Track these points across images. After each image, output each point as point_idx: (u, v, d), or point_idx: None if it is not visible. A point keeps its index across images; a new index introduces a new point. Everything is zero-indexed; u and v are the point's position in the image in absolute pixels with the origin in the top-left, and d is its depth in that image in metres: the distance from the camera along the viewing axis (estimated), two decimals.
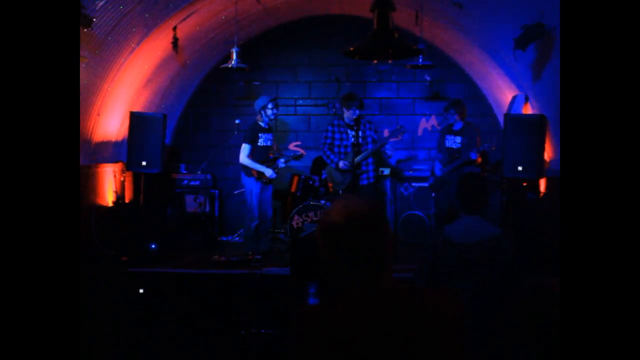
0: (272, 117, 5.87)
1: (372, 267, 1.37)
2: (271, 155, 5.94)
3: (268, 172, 5.77)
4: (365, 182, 5.89)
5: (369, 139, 5.87)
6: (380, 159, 6.89)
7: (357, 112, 5.73)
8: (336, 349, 1.29)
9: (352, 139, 5.81)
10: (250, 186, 5.82)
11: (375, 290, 1.37)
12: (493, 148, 5.60)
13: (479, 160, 5.77)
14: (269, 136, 5.90)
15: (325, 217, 1.41)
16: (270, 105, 5.79)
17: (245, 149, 5.76)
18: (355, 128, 5.72)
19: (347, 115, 5.87)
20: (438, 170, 6.00)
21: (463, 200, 2.67)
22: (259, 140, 5.81)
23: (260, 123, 5.83)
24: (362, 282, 1.37)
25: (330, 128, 6.05)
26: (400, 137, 6.08)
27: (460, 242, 2.55)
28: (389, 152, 5.94)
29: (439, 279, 2.57)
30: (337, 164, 5.96)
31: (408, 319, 1.33)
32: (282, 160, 5.93)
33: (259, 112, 5.83)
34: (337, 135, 5.98)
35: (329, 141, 6.03)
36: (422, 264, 2.69)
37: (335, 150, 6.00)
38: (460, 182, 2.81)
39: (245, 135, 5.82)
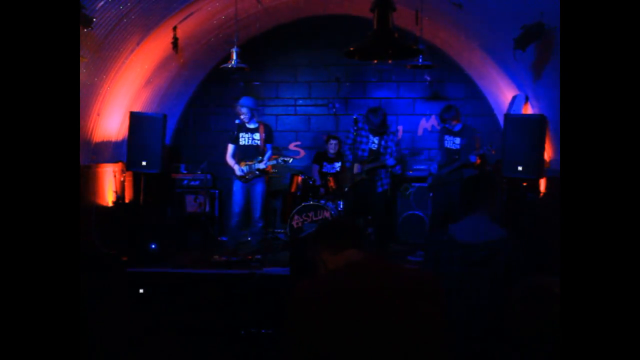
0: (238, 121, 6.00)
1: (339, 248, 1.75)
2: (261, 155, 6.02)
3: (236, 169, 5.92)
4: (380, 190, 5.97)
5: (389, 150, 5.94)
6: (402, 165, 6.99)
7: (377, 122, 5.86)
8: (321, 317, 1.52)
9: (372, 145, 5.90)
10: (233, 184, 6.03)
11: (356, 264, 1.68)
12: (493, 152, 5.57)
13: (478, 162, 5.76)
14: (253, 135, 5.99)
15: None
16: (243, 110, 5.93)
17: (229, 149, 6.03)
18: (377, 133, 5.82)
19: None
20: (433, 169, 6.05)
21: (467, 199, 2.62)
22: (240, 140, 5.98)
23: (245, 123, 5.99)
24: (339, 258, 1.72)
25: (352, 129, 6.08)
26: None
27: (465, 241, 2.51)
28: (390, 163, 5.96)
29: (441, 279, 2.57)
30: (352, 164, 6.01)
31: (387, 289, 1.59)
32: (258, 159, 5.96)
33: (238, 111, 5.99)
34: (358, 139, 6.04)
35: (349, 141, 6.10)
36: (425, 263, 2.67)
37: (356, 152, 6.05)
38: (465, 181, 2.78)
39: (229, 135, 6.07)
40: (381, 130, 5.90)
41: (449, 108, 5.88)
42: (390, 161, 5.87)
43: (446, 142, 5.94)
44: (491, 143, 5.60)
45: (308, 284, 1.63)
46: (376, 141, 5.94)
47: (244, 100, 6.00)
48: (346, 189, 6.11)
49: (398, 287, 1.60)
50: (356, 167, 5.96)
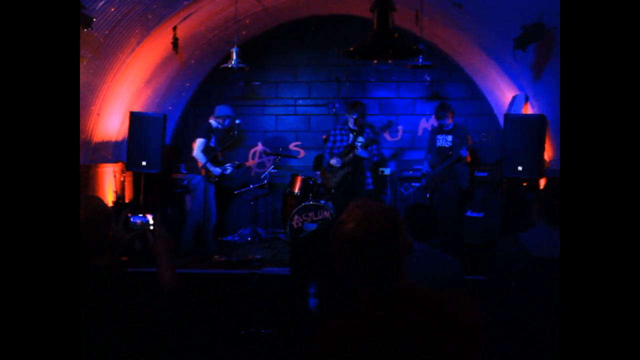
0: (220, 126, 6.25)
1: (384, 273, 1.37)
2: (220, 157, 6.29)
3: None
4: (368, 187, 6.07)
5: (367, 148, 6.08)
6: (379, 161, 7.05)
7: (356, 118, 5.96)
8: (352, 354, 1.30)
9: (351, 141, 5.96)
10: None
11: (388, 295, 1.37)
12: (489, 137, 5.66)
13: (469, 158, 5.91)
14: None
15: (340, 226, 1.39)
16: (228, 122, 6.21)
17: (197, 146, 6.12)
18: (355, 131, 5.89)
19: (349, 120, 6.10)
20: (425, 169, 6.16)
21: (543, 207, 2.22)
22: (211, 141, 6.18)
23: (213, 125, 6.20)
24: (375, 287, 1.38)
25: (332, 132, 6.17)
26: (387, 131, 6.22)
27: (541, 255, 2.12)
28: (363, 155, 6.01)
29: (510, 296, 2.17)
30: (328, 163, 6.07)
31: (423, 323, 1.33)
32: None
33: (221, 117, 6.18)
34: (338, 138, 6.11)
35: (329, 144, 6.14)
36: (490, 276, 2.27)
37: (335, 152, 6.11)
38: (550, 182, 2.38)
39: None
40: (359, 127, 6.01)
41: (443, 105, 6.14)
42: (362, 152, 5.94)
43: (438, 141, 6.13)
44: (488, 130, 5.69)
45: (336, 320, 1.38)
46: (352, 137, 6.06)
47: (229, 110, 6.27)
48: (333, 190, 6.14)
49: (434, 333, 1.33)
50: (335, 161, 6.03)
